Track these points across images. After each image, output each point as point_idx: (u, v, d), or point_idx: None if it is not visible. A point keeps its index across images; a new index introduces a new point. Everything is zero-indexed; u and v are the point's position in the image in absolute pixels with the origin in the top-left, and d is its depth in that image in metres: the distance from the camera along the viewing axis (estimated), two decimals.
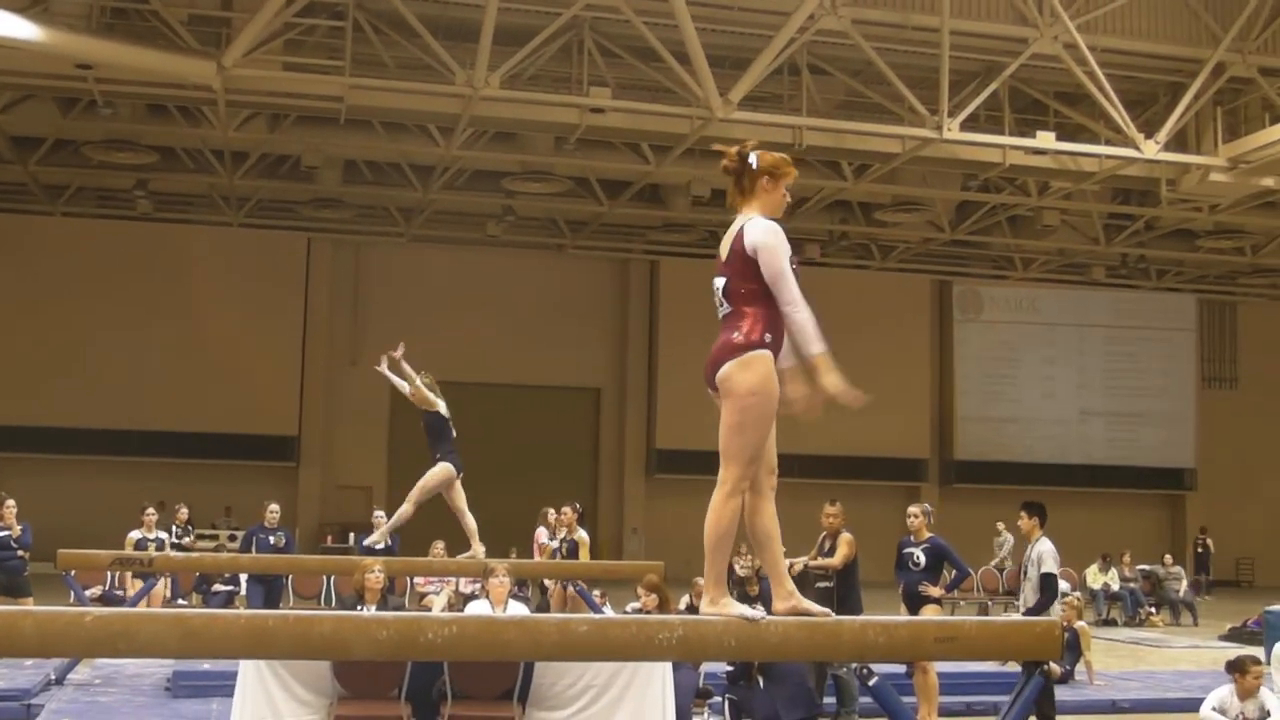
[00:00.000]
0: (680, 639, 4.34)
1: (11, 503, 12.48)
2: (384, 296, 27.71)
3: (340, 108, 18.80)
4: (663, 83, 19.16)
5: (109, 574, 14.08)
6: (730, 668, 8.55)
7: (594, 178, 23.96)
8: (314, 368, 27.37)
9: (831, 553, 9.75)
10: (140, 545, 14.06)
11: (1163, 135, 19.69)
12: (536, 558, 13.92)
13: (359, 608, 8.95)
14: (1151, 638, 17.75)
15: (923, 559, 9.67)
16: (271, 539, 13.48)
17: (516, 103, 18.82)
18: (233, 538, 20.29)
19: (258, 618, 4.39)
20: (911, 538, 9.83)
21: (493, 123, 20.13)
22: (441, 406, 10.43)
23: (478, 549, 10.30)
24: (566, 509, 13.28)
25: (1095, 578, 20.52)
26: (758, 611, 4.38)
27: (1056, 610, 8.92)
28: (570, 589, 12.22)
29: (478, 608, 9.39)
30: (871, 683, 5.26)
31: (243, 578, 14.04)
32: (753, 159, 4.62)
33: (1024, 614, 8.89)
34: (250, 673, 7.56)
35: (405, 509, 10.42)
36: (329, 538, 25.27)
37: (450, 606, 13.45)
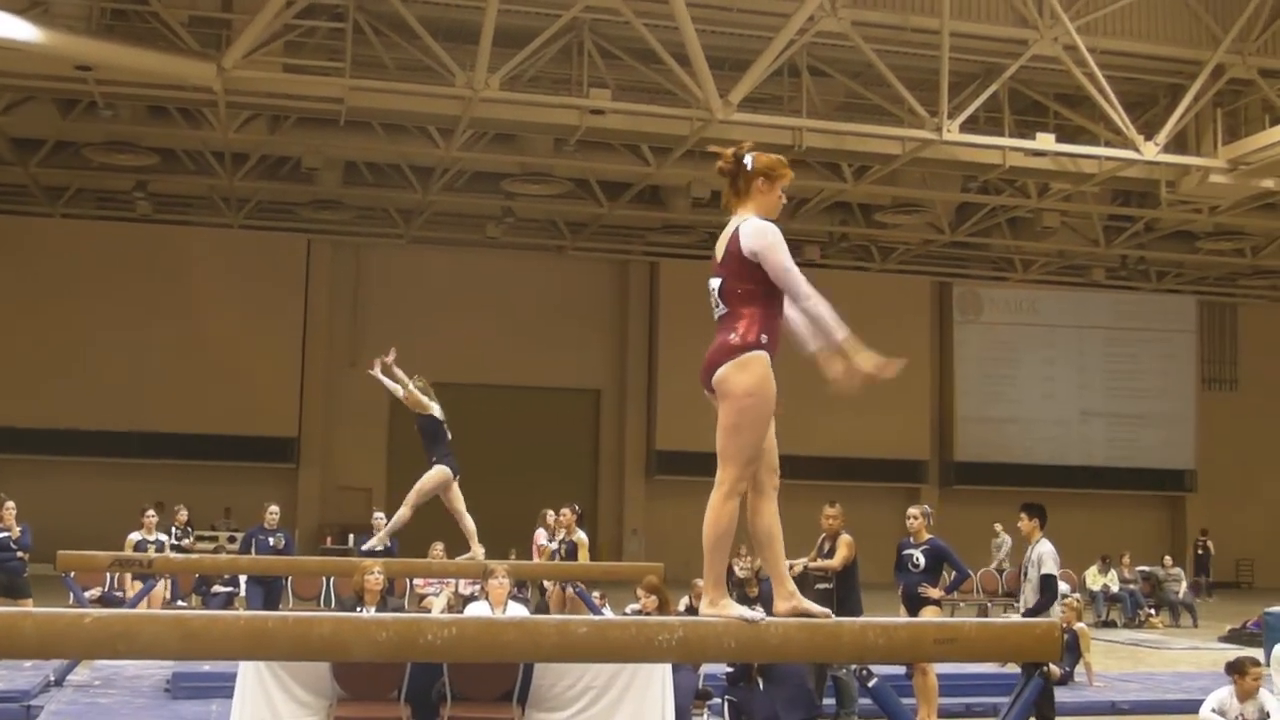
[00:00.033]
0: (680, 640, 4.35)
1: (11, 504, 12.47)
2: (384, 298, 27.73)
3: (340, 109, 18.81)
4: (662, 84, 19.17)
5: (108, 575, 14.08)
6: (730, 669, 8.54)
7: (594, 179, 23.97)
8: (314, 369, 27.38)
9: (831, 554, 9.75)
10: (140, 547, 14.06)
11: (1162, 137, 19.70)
12: (535, 559, 13.92)
13: (358, 609, 8.95)
14: (1151, 639, 17.74)
15: (922, 560, 9.67)
16: (271, 540, 13.48)
17: (516, 104, 18.84)
18: (232, 539, 20.27)
19: (257, 619, 4.39)
20: (911, 539, 9.83)
21: (493, 124, 20.15)
22: (435, 409, 10.41)
23: (477, 550, 10.30)
24: (565, 510, 13.29)
25: (1095, 579, 20.52)
26: (757, 613, 4.38)
27: (1056, 611, 8.91)
28: (569, 590, 12.22)
29: (477, 609, 9.39)
30: (871, 684, 5.27)
31: (242, 579, 14.03)
32: (748, 160, 4.62)
33: (1023, 615, 8.89)
34: (250, 674, 7.56)
35: (403, 512, 10.42)
36: (328, 539, 25.27)
37: (450, 608, 13.45)
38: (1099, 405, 31.06)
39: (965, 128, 19.40)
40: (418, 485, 10.37)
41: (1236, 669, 8.66)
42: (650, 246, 28.13)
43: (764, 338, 4.45)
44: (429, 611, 13.32)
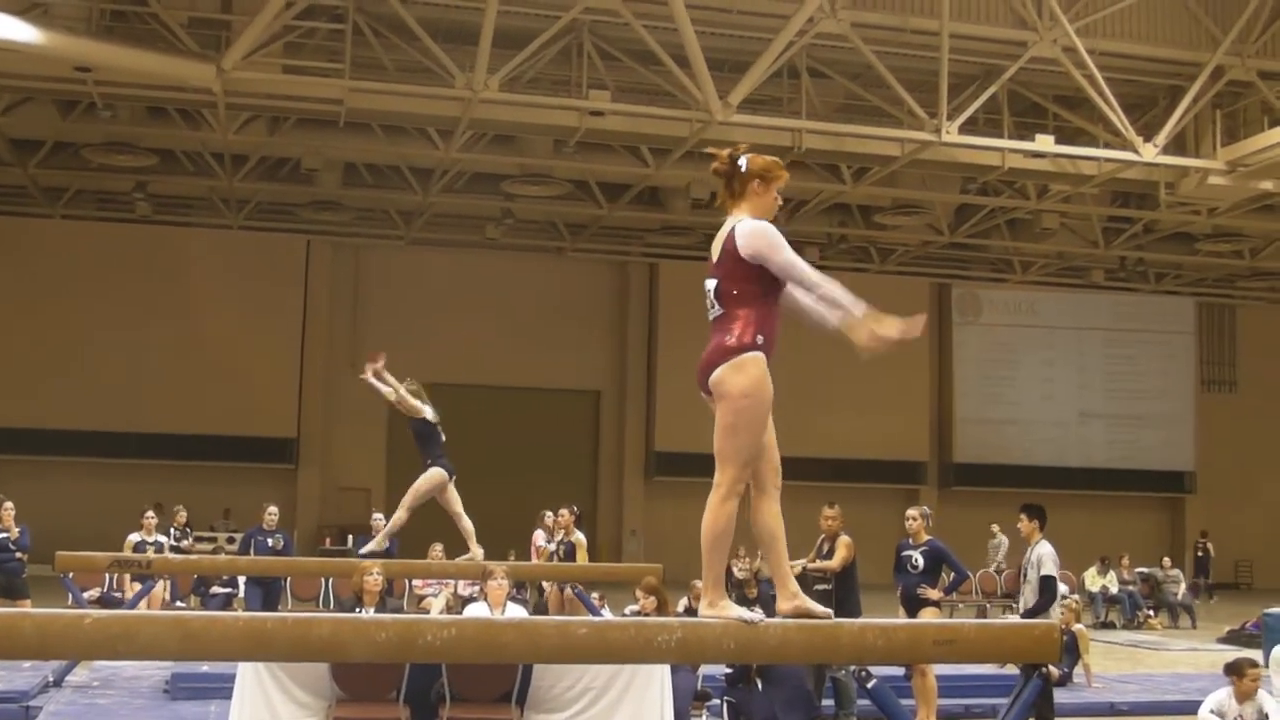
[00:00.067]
0: (679, 641, 4.35)
1: (10, 505, 12.47)
2: (383, 299, 27.73)
3: (340, 110, 18.81)
4: (662, 86, 19.17)
5: (107, 576, 14.08)
6: (729, 670, 8.54)
7: (593, 180, 23.98)
8: (313, 370, 27.38)
9: (830, 555, 9.75)
10: (139, 548, 14.03)
11: (1162, 138, 19.72)
12: (534, 560, 13.92)
13: (357, 610, 8.95)
14: (1150, 640, 17.75)
15: (921, 562, 9.67)
16: (270, 541, 13.46)
17: (516, 105, 18.84)
18: (231, 540, 20.26)
19: (256, 620, 4.39)
20: (910, 540, 9.83)
21: (492, 125, 20.15)
22: (428, 412, 10.39)
23: (476, 551, 10.28)
24: (564, 511, 13.29)
25: (1094, 580, 20.52)
26: (756, 614, 4.38)
27: (1055, 613, 8.92)
28: (568, 591, 12.22)
29: (476, 610, 9.39)
30: (870, 685, 5.28)
31: (241, 580, 14.03)
32: (743, 162, 4.62)
33: (1022, 616, 8.89)
34: (249, 675, 7.56)
35: (400, 515, 10.41)
36: (327, 540, 25.27)
37: (449, 609, 13.45)
38: (1098, 407, 31.06)
39: (964, 129, 19.40)
40: (413, 488, 10.36)
41: (1235, 670, 8.66)
42: (649, 248, 28.14)
43: (760, 339, 4.45)
44: (428, 612, 13.32)
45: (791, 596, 4.53)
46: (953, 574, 10.08)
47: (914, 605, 9.61)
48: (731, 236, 4.52)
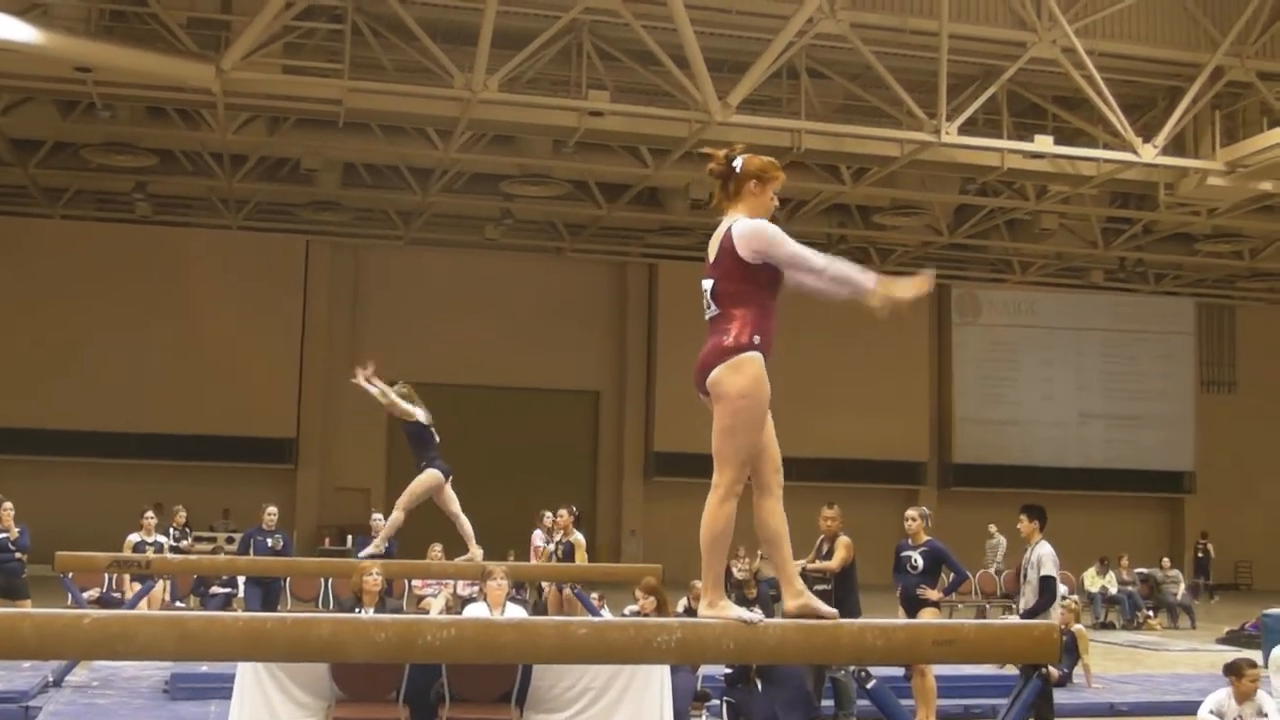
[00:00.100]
0: (678, 642, 4.34)
1: (9, 505, 12.47)
2: (383, 299, 27.74)
3: (339, 111, 18.81)
4: (661, 86, 19.17)
5: (107, 576, 14.07)
6: (728, 670, 8.54)
7: (592, 181, 23.98)
8: (312, 370, 27.38)
9: (829, 556, 9.74)
10: (139, 548, 14.02)
11: (1161, 139, 19.72)
12: (533, 561, 13.92)
13: (357, 610, 8.94)
14: (1149, 641, 17.76)
15: (921, 562, 9.67)
16: (269, 541, 13.46)
17: (515, 106, 18.85)
18: (230, 540, 20.26)
19: (256, 620, 4.38)
20: (909, 541, 9.83)
21: (491, 126, 20.15)
22: (420, 414, 10.36)
23: (475, 551, 10.28)
24: (563, 511, 13.29)
25: (1093, 581, 20.53)
26: (755, 614, 4.38)
27: (1055, 613, 8.92)
28: (566, 591, 12.22)
29: (476, 610, 9.39)
30: (870, 685, 5.27)
31: (240, 580, 14.03)
32: (738, 163, 4.62)
33: (1022, 616, 8.89)
34: (248, 675, 7.56)
35: (396, 516, 10.39)
36: (327, 540, 25.27)
37: (448, 609, 13.45)
38: (1097, 407, 31.08)
39: (964, 130, 19.41)
40: (409, 489, 10.34)
41: (1234, 671, 8.66)
42: (649, 248, 28.14)
43: (757, 339, 4.44)
44: (427, 613, 13.32)
45: (797, 595, 4.53)
46: (952, 574, 10.08)
47: (913, 606, 9.61)
48: (729, 236, 4.51)
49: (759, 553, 15.90)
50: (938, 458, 30.42)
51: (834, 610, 4.59)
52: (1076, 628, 12.28)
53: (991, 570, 20.55)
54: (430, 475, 10.25)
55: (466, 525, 10.39)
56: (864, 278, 4.49)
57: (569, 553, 12.91)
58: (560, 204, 24.88)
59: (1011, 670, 5.51)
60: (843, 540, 9.76)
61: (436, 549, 13.79)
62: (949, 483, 30.00)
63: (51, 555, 10.38)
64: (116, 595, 14.16)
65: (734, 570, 14.90)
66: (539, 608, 13.30)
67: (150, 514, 14.82)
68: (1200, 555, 26.97)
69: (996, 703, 9.71)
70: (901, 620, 8.43)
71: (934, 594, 9.69)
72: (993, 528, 21.55)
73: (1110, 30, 19.98)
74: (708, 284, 4.56)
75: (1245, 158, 20.03)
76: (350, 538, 22.03)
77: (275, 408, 26.76)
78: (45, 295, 25.57)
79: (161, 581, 13.24)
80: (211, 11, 18.50)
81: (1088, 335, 31.15)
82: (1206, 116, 20.56)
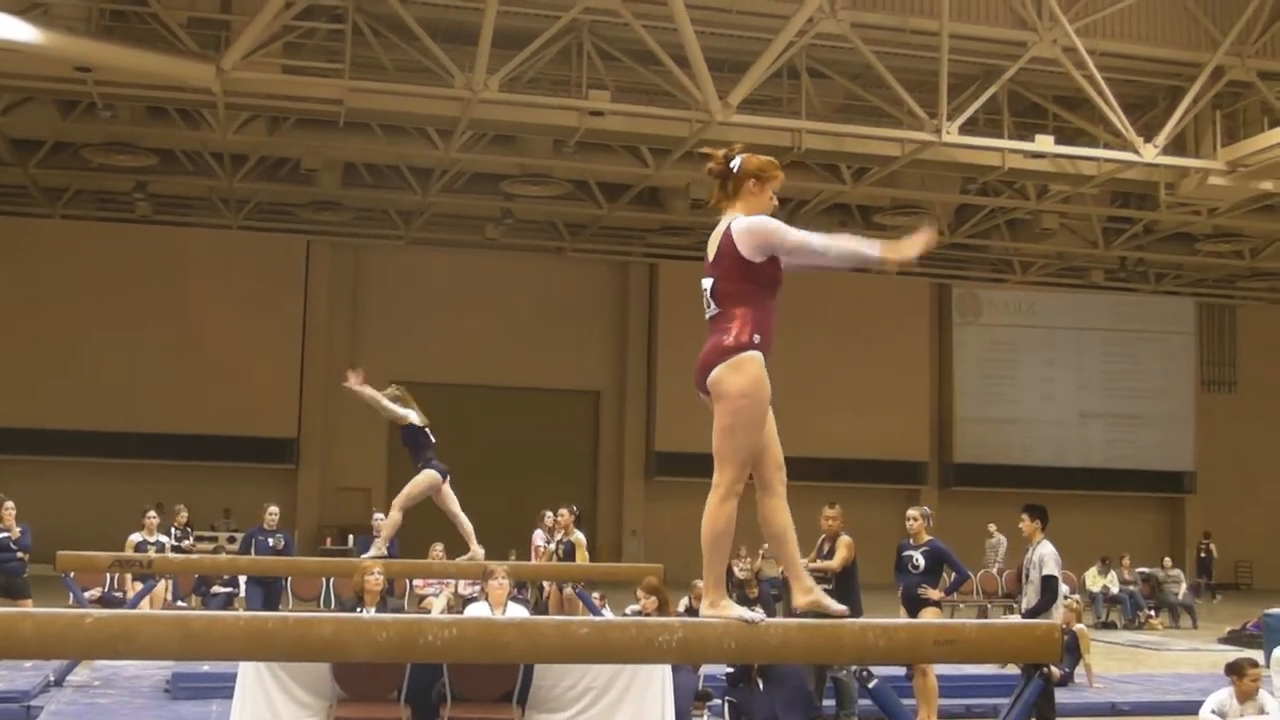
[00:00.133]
0: (680, 641, 4.34)
1: (10, 504, 12.47)
2: (383, 299, 27.74)
3: (339, 110, 18.81)
4: (662, 86, 19.17)
5: (108, 576, 14.07)
6: (730, 670, 8.54)
7: (593, 180, 23.98)
8: (313, 370, 27.37)
9: (830, 555, 9.74)
10: (141, 548, 14.02)
11: (1162, 139, 19.72)
12: (533, 560, 13.92)
13: (358, 610, 8.94)
14: (1151, 641, 17.75)
15: (922, 562, 9.66)
16: (271, 541, 13.47)
17: (516, 106, 18.85)
18: (232, 540, 20.26)
19: (257, 620, 4.39)
20: (911, 540, 9.83)
21: (492, 125, 20.15)
22: (413, 416, 10.34)
23: (476, 550, 10.27)
24: (564, 511, 13.30)
25: (1094, 580, 20.52)
26: (757, 614, 4.38)
27: (1057, 613, 8.91)
28: (567, 590, 12.22)
29: (477, 610, 9.39)
30: (871, 685, 5.27)
31: (242, 580, 14.03)
32: (736, 162, 4.62)
33: (1024, 616, 8.89)
34: (250, 675, 7.56)
35: (394, 517, 10.38)
36: (328, 540, 25.27)
37: (449, 609, 13.45)
38: (1098, 407, 31.08)
39: (964, 129, 19.41)
40: (406, 489, 10.33)
41: (1236, 670, 8.66)
42: (649, 248, 28.14)
43: (757, 338, 4.44)
44: (429, 612, 13.32)
45: (807, 591, 4.53)
46: (953, 574, 10.08)
47: (915, 605, 9.60)
48: (728, 235, 4.52)
49: (761, 552, 15.92)
50: (938, 457, 30.42)
51: (843, 608, 4.59)
52: (1078, 627, 12.27)
53: (993, 570, 20.54)
54: (427, 476, 10.24)
55: (466, 524, 10.38)
56: (869, 249, 4.52)
57: (569, 552, 12.91)
58: (561, 204, 24.88)
59: (1013, 670, 5.50)
60: (844, 540, 9.76)
61: (438, 548, 13.78)
62: (950, 482, 29.99)
63: (53, 555, 10.38)
64: (118, 595, 14.16)
65: (735, 570, 14.89)
66: (539, 607, 13.30)
67: (152, 514, 14.82)
68: (1203, 555, 26.96)
69: (998, 702, 9.71)
70: (903, 620, 8.43)
71: (935, 594, 9.68)
72: (992, 527, 21.55)
73: (1111, 30, 19.98)
74: (707, 283, 4.56)
75: (1246, 157, 20.03)
76: (351, 537, 22.04)
77: (276, 407, 26.77)
78: (46, 295, 25.57)
79: (163, 581, 13.23)
80: (212, 11, 18.51)
81: (1088, 335, 31.15)
82: (1207, 116, 20.56)
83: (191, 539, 18.61)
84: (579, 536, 13.13)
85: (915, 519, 9.85)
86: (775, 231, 4.48)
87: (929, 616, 9.27)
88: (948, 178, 23.28)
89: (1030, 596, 8.92)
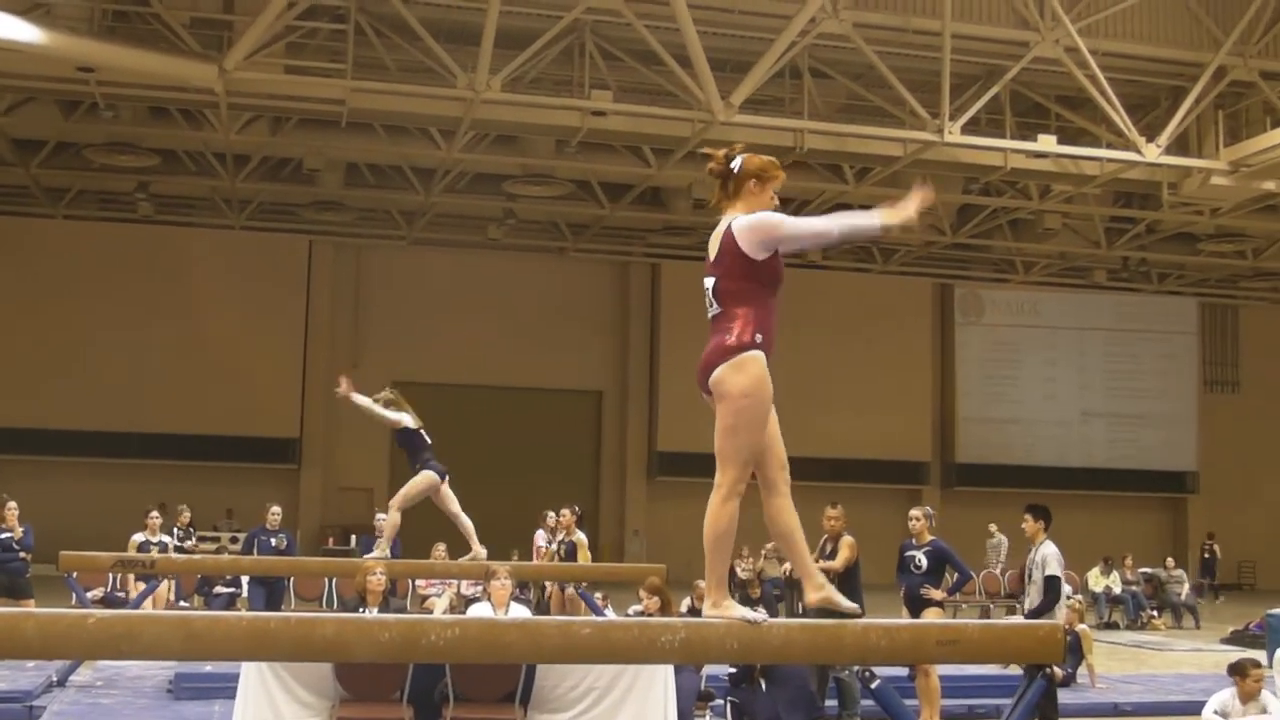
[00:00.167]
0: (682, 641, 4.35)
1: (13, 504, 12.49)
2: (385, 299, 27.74)
3: (342, 111, 18.81)
4: (664, 86, 19.17)
5: (111, 576, 14.08)
6: (732, 670, 8.54)
7: (595, 181, 23.98)
8: (315, 370, 27.36)
9: (833, 556, 9.75)
10: (143, 548, 14.02)
11: (1164, 139, 19.71)
12: (535, 561, 13.92)
13: (361, 610, 8.95)
14: (1153, 641, 17.73)
15: (924, 562, 9.66)
16: (273, 541, 13.48)
17: (518, 106, 18.85)
18: (234, 540, 20.27)
19: (260, 620, 4.39)
20: (913, 540, 9.82)
21: (494, 126, 20.15)
22: (407, 420, 10.33)
23: (478, 550, 10.27)
24: (565, 511, 13.31)
25: (1097, 581, 20.51)
26: (759, 614, 4.38)
27: (1060, 613, 8.91)
28: (569, 590, 12.22)
29: (480, 610, 9.38)
30: (874, 685, 5.27)
31: (244, 580, 14.04)
32: (737, 162, 4.62)
33: (1027, 616, 8.89)
34: (252, 675, 7.56)
35: (393, 517, 10.37)
36: (330, 540, 25.27)
37: (452, 609, 13.44)
38: (1100, 407, 31.07)
39: (967, 129, 19.41)
40: (403, 490, 10.33)
41: (1238, 671, 8.65)
42: (651, 248, 28.14)
43: (759, 337, 4.44)
44: (431, 613, 13.32)
45: (819, 588, 4.54)
46: (956, 574, 10.07)
47: (917, 605, 9.60)
48: (729, 234, 4.52)
49: (763, 552, 15.92)
50: (940, 457, 30.41)
51: (855, 606, 4.59)
52: (1080, 628, 12.27)
53: (995, 570, 20.53)
54: (425, 476, 10.23)
55: (467, 523, 10.38)
56: (870, 220, 4.53)
57: (571, 552, 12.92)
58: (563, 204, 24.88)
59: (1016, 670, 5.50)
60: (846, 540, 9.76)
61: (440, 549, 13.77)
62: (952, 482, 29.98)
63: (55, 555, 10.39)
64: (121, 595, 14.17)
65: (738, 570, 14.91)
66: (541, 608, 13.31)
67: (154, 514, 14.82)
68: (1206, 556, 26.95)
69: (1001, 703, 9.72)
70: (905, 620, 8.42)
71: (938, 594, 9.68)
72: (993, 527, 21.54)
73: (1113, 30, 19.97)
74: (709, 282, 4.56)
75: (1248, 157, 20.02)
76: (354, 537, 22.05)
77: (278, 408, 26.77)
78: (48, 295, 25.59)
79: (166, 581, 13.24)
80: (214, 11, 18.51)
81: (1091, 335, 31.14)
82: (1210, 116, 20.55)
83: (194, 539, 18.58)
84: (581, 537, 13.13)
85: (917, 519, 9.85)
86: (777, 224, 4.49)
87: (931, 617, 9.26)
88: (950, 178, 23.23)
89: (1033, 597, 8.92)
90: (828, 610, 4.57)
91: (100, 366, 25.58)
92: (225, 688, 8.65)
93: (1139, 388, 31.17)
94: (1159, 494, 31.49)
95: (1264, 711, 8.55)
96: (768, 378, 4.43)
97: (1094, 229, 26.88)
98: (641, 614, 9.14)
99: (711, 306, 4.55)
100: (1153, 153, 19.74)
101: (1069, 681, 11.40)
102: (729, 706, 8.64)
